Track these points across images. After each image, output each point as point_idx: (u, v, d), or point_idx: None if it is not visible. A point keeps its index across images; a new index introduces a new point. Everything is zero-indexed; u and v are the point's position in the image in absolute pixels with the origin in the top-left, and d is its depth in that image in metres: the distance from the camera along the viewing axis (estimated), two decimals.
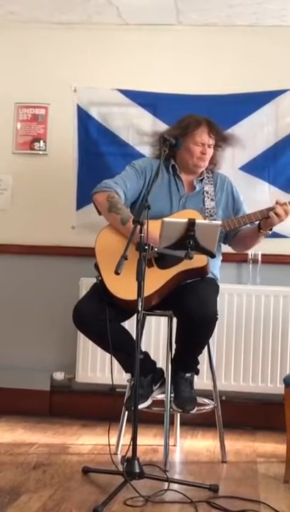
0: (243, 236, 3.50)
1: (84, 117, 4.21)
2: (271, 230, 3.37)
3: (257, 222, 3.36)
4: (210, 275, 3.38)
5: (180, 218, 3.11)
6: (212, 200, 3.45)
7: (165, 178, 3.44)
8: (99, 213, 3.41)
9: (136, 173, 3.45)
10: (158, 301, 3.25)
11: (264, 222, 3.33)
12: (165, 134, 3.41)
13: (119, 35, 4.19)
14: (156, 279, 3.20)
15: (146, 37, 4.17)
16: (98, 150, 4.19)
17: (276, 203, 3.32)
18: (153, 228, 2.97)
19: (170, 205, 3.42)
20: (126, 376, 3.44)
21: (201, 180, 3.50)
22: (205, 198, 3.45)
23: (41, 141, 4.26)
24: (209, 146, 3.44)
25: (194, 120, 3.44)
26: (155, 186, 3.17)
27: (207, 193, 3.47)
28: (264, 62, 4.10)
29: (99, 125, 4.20)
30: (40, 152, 4.26)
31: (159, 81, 4.12)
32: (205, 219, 3.31)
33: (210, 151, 3.45)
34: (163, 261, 3.22)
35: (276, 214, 3.27)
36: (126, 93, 4.16)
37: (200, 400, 3.43)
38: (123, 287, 3.12)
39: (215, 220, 3.36)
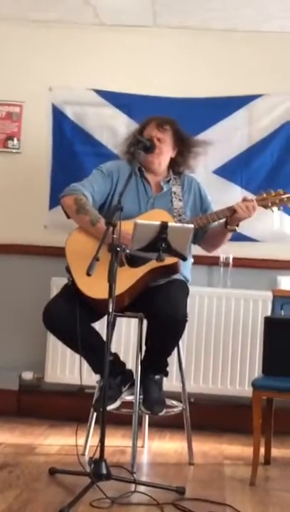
0: (211, 235, 3.52)
1: (58, 116, 4.19)
2: (237, 225, 3.41)
3: (224, 219, 3.40)
4: (180, 277, 3.40)
5: (148, 219, 3.14)
6: (180, 200, 3.48)
7: (132, 180, 3.44)
8: (68, 216, 3.41)
9: (102, 176, 3.47)
10: (129, 300, 3.25)
11: (231, 218, 3.37)
12: (137, 135, 3.43)
13: (95, 35, 4.18)
14: (127, 277, 3.20)
15: (122, 38, 4.17)
16: (72, 149, 4.18)
17: (244, 199, 3.39)
18: (123, 229, 2.97)
19: (139, 207, 3.44)
20: (96, 377, 3.43)
21: (168, 181, 3.52)
22: (173, 199, 3.47)
23: (15, 139, 4.24)
24: (159, 139, 3.44)
25: (147, 118, 3.51)
26: (127, 188, 3.16)
27: (174, 193, 3.49)
28: (239, 66, 4.13)
29: (73, 125, 4.19)
30: (14, 150, 4.24)
31: (134, 82, 4.13)
32: (173, 218, 3.33)
33: (161, 146, 3.45)
34: (134, 260, 3.22)
35: (241, 208, 3.32)
36: (101, 93, 4.16)
37: (168, 401, 3.44)
38: (94, 287, 3.12)
39: (184, 219, 3.39)
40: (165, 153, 3.48)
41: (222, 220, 3.42)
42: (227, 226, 3.41)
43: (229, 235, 3.49)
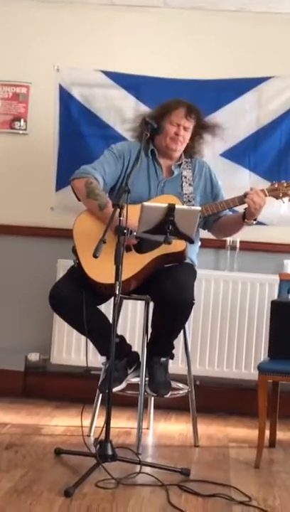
0: (225, 223, 3.50)
1: (65, 97, 4.17)
2: (255, 220, 3.38)
3: (242, 211, 3.37)
4: (187, 260, 3.39)
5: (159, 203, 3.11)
6: (190, 185, 3.45)
7: (144, 162, 3.42)
8: (78, 199, 3.39)
9: (114, 158, 3.43)
10: (136, 285, 3.25)
11: (248, 211, 3.33)
12: (146, 116, 3.40)
13: (104, 15, 4.14)
14: (134, 263, 3.19)
15: (131, 18, 4.13)
16: (79, 131, 4.16)
17: (251, 189, 3.34)
18: (132, 213, 2.96)
19: (149, 190, 3.41)
20: (101, 359, 3.44)
21: (179, 165, 3.49)
22: (183, 183, 3.44)
23: (22, 121, 4.22)
24: (185, 128, 3.41)
25: (174, 102, 3.44)
26: (135, 170, 3.15)
27: (185, 178, 3.46)
28: (248, 48, 4.09)
29: (80, 106, 4.17)
30: (21, 131, 4.22)
31: (143, 64, 4.10)
32: (183, 204, 3.31)
33: (185, 134, 3.43)
34: (141, 245, 3.21)
35: (252, 201, 3.28)
36: (109, 75, 4.13)
37: (174, 384, 3.45)
38: (101, 271, 3.12)
39: (193, 205, 3.36)
40: (186, 140, 3.45)
41: (240, 212, 3.39)
42: (245, 220, 3.37)
43: (244, 227, 3.45)
